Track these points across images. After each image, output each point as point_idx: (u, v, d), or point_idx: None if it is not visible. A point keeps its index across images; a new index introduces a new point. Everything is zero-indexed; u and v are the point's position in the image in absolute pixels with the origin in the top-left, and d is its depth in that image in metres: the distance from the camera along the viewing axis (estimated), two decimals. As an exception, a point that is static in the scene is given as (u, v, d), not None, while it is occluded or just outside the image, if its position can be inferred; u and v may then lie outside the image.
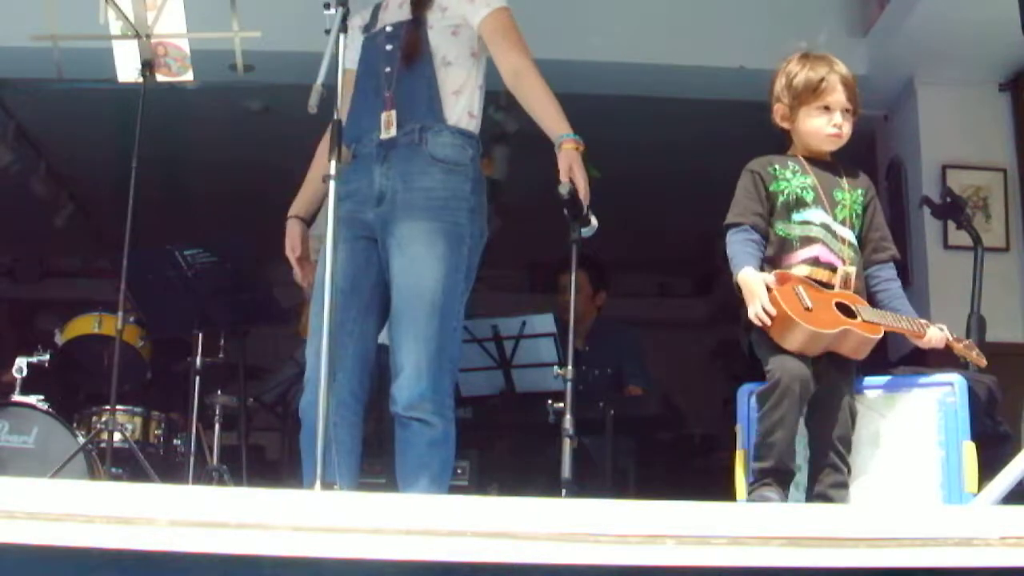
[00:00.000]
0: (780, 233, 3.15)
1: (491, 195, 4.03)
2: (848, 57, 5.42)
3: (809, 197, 3.15)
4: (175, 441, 5.05)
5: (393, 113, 3.25)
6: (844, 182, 3.20)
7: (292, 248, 3.44)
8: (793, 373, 2.96)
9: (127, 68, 3.74)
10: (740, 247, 3.14)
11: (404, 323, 3.18)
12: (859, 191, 3.22)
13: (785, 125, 3.24)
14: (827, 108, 3.19)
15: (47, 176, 6.91)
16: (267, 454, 6.73)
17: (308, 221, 3.50)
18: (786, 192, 3.16)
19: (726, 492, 3.17)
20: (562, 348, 4.59)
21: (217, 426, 5.06)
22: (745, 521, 2.01)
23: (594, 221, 3.26)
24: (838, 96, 3.19)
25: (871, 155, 6.01)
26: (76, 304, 5.42)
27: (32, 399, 4.51)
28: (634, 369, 5.35)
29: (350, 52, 3.40)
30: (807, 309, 3.00)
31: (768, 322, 3.00)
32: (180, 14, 3.64)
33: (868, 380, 3.15)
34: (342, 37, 2.94)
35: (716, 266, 5.78)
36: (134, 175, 3.89)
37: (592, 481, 4.39)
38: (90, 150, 6.40)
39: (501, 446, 5.19)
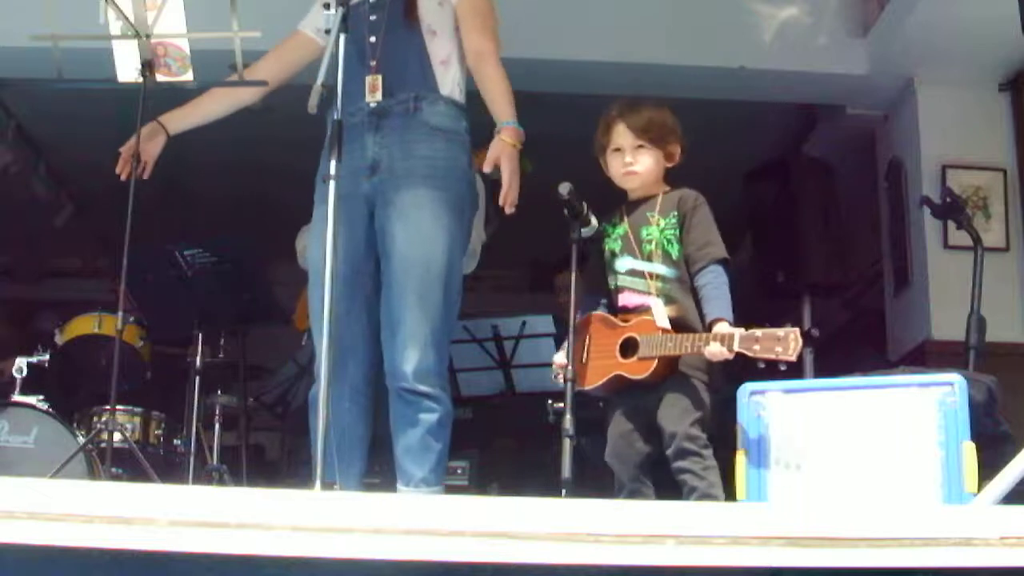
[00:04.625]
0: (610, 286, 3.28)
1: (491, 195, 4.03)
2: (848, 57, 5.50)
3: (618, 247, 3.26)
4: (175, 441, 5.05)
5: (379, 78, 3.21)
6: (654, 216, 3.24)
7: (131, 146, 3.43)
8: (608, 459, 3.25)
9: (127, 68, 3.73)
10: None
11: (408, 294, 3.12)
12: (671, 216, 3.22)
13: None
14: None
15: (47, 176, 6.90)
16: (267, 454, 6.74)
17: (169, 135, 3.53)
18: (608, 248, 3.28)
19: (726, 492, 3.17)
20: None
21: (217, 426, 5.06)
22: (745, 521, 2.01)
23: (594, 221, 3.26)
24: None
25: (871, 155, 6.01)
26: (76, 304, 5.42)
27: (32, 399, 4.51)
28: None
29: (314, 17, 3.39)
30: (583, 363, 3.17)
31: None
32: (180, 14, 3.64)
33: (868, 380, 3.15)
34: (342, 37, 2.94)
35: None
36: (134, 175, 3.89)
37: (592, 481, 4.39)
38: (90, 150, 6.37)
39: (501, 446, 5.20)
